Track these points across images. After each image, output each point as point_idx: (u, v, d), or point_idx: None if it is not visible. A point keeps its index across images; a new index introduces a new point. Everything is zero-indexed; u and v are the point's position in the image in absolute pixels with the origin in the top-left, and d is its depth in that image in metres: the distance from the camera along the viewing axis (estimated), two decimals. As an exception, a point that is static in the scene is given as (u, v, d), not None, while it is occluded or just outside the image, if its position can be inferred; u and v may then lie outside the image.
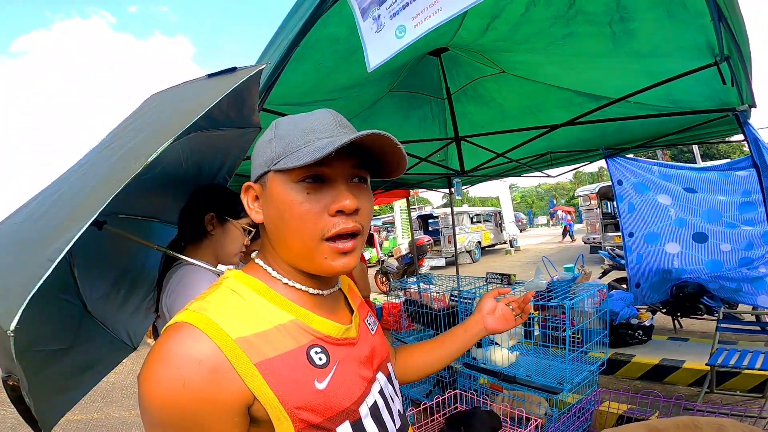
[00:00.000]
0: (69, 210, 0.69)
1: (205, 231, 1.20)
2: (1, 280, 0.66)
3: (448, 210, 11.71)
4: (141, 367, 0.47)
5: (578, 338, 1.96)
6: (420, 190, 7.34)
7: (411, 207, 7.27)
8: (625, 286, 4.45)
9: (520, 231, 20.77)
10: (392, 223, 14.81)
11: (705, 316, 3.77)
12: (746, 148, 2.26)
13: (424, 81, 2.54)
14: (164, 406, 0.45)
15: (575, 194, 12.17)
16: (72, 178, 0.88)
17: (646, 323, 3.58)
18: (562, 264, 3.64)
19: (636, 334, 3.53)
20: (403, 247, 10.26)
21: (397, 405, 0.67)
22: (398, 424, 0.64)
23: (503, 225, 15.90)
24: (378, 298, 6.35)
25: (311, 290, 0.59)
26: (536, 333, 2.29)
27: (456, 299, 2.39)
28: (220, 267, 1.20)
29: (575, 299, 1.92)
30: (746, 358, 2.62)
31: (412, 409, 1.82)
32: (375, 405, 0.60)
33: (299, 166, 0.51)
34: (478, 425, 1.59)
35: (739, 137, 2.49)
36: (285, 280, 0.58)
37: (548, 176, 4.42)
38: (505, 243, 15.97)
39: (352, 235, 0.56)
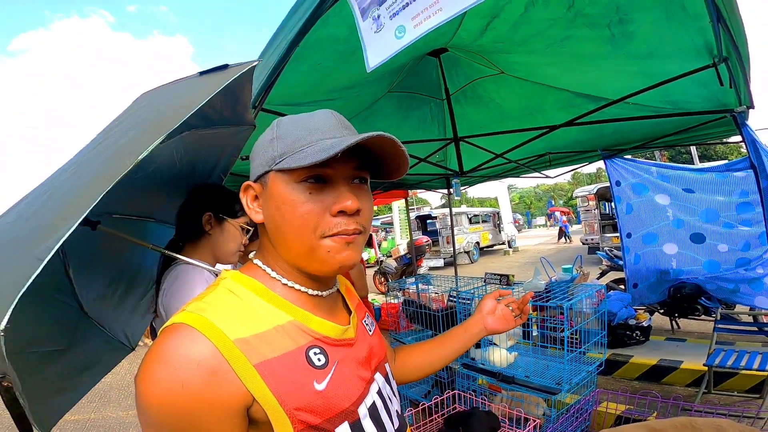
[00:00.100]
0: (59, 209, 0.68)
1: (203, 230, 1.20)
2: None
3: (446, 210, 11.70)
4: (138, 367, 0.47)
5: (576, 339, 1.96)
6: (418, 191, 7.34)
7: (409, 207, 7.27)
8: (623, 286, 4.45)
9: (518, 232, 20.79)
10: (391, 224, 14.80)
11: (702, 316, 3.78)
12: (744, 149, 2.27)
13: (423, 81, 2.54)
14: (162, 406, 0.44)
15: (573, 195, 12.20)
16: (62, 178, 0.87)
17: (644, 324, 3.59)
18: (560, 265, 3.65)
19: (634, 334, 3.54)
20: (402, 248, 10.27)
21: (395, 405, 0.67)
22: (396, 424, 0.64)
23: (502, 226, 15.92)
24: (376, 299, 6.35)
25: (310, 291, 0.59)
26: (535, 333, 2.29)
27: (454, 300, 2.39)
28: (218, 267, 1.20)
29: (573, 300, 1.92)
30: (744, 359, 2.63)
31: (411, 410, 1.82)
32: (373, 405, 0.60)
33: (304, 166, 0.51)
34: (477, 426, 1.59)
35: (737, 138, 2.49)
36: (284, 281, 0.58)
37: (547, 177, 4.43)
38: (503, 244, 15.98)
39: (353, 234, 0.56)
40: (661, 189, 3.44)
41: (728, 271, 3.21)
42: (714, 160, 19.69)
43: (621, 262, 4.25)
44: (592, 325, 2.08)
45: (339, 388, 0.54)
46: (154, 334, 1.40)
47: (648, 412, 2.08)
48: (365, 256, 11.20)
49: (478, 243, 14.16)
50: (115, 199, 1.11)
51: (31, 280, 0.55)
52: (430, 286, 3.02)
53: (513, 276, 2.28)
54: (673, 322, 4.15)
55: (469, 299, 2.29)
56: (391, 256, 9.98)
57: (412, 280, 3.19)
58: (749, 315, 3.65)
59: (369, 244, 12.15)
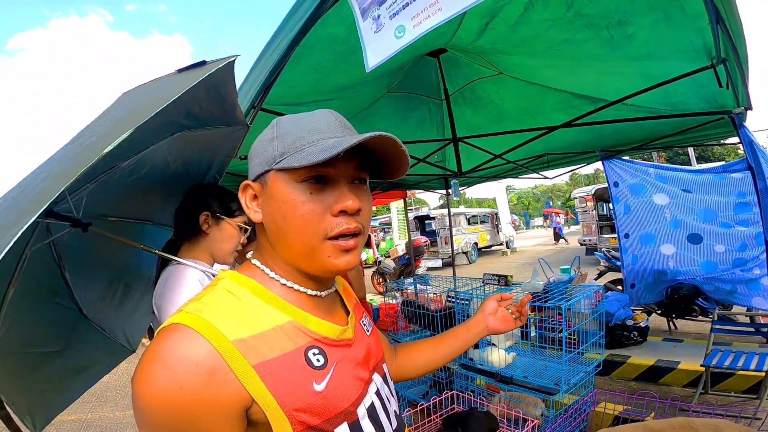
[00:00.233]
0: (24, 204, 0.67)
1: (200, 230, 1.19)
2: None
3: (444, 211, 11.71)
4: (135, 368, 0.46)
5: (574, 339, 1.97)
6: (417, 191, 7.34)
7: (408, 208, 7.27)
8: (620, 287, 4.47)
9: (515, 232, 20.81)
10: (389, 224, 14.80)
11: (700, 317, 3.80)
12: (741, 151, 2.28)
13: (423, 82, 2.54)
14: (160, 407, 0.44)
15: (572, 196, 12.22)
16: (38, 173, 0.86)
17: (642, 324, 3.60)
18: (558, 265, 3.65)
19: (631, 335, 3.55)
20: (400, 248, 10.27)
21: (393, 406, 0.67)
22: (395, 424, 0.64)
23: (500, 226, 15.93)
24: (375, 299, 6.35)
25: (309, 291, 0.59)
26: (533, 334, 2.29)
27: (453, 300, 2.39)
28: (216, 267, 1.20)
29: (571, 300, 1.92)
30: (741, 360, 2.64)
31: (409, 410, 1.81)
32: (372, 406, 0.60)
33: (305, 166, 0.51)
34: (475, 426, 1.59)
35: (735, 140, 2.50)
36: (283, 281, 0.58)
37: (545, 178, 4.44)
38: (501, 244, 16.01)
39: (354, 234, 0.56)
40: (659, 189, 3.45)
41: (725, 271, 3.23)
42: (711, 161, 19.79)
43: (619, 263, 4.27)
44: (590, 326, 2.08)
45: (338, 388, 0.54)
46: (152, 335, 1.39)
47: (646, 412, 2.08)
48: (363, 256, 11.21)
49: (476, 243, 14.17)
50: (110, 201, 1.10)
51: None
52: (428, 287, 3.02)
53: (511, 276, 2.28)
54: (671, 323, 4.17)
55: (467, 300, 2.29)
56: (389, 257, 9.97)
57: (411, 280, 3.19)
58: (746, 316, 3.66)
59: (367, 244, 12.15)
